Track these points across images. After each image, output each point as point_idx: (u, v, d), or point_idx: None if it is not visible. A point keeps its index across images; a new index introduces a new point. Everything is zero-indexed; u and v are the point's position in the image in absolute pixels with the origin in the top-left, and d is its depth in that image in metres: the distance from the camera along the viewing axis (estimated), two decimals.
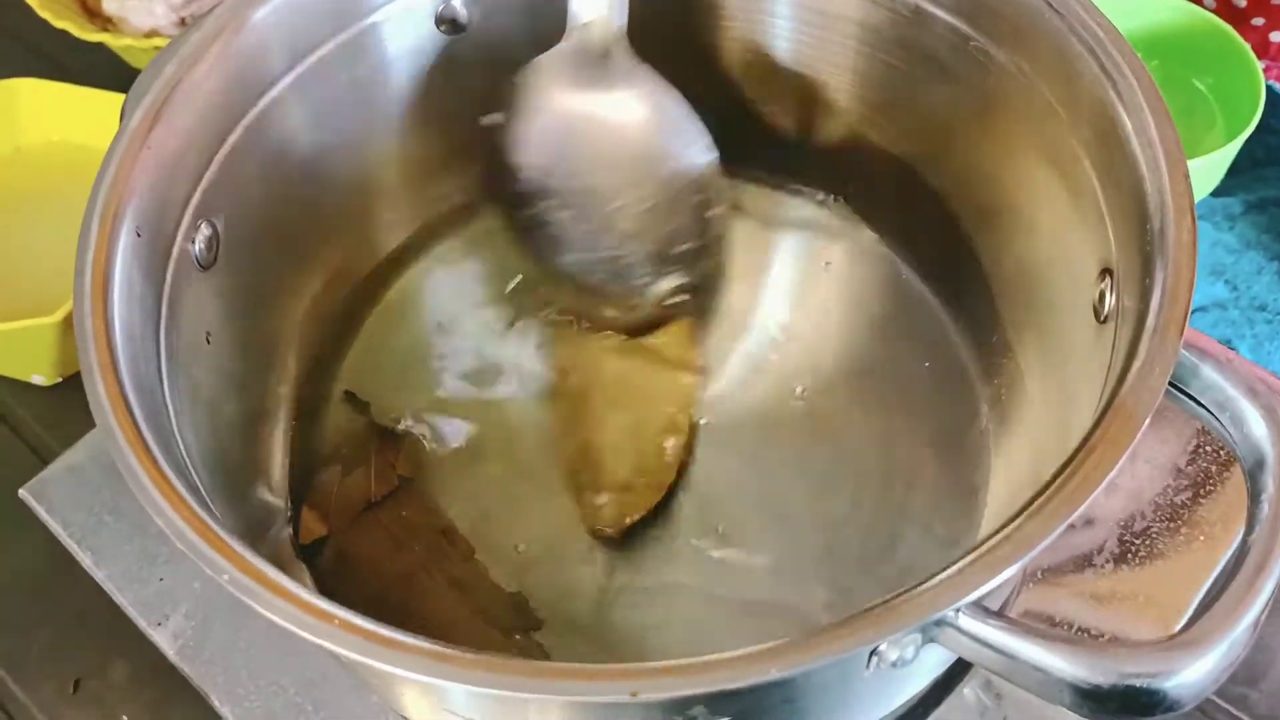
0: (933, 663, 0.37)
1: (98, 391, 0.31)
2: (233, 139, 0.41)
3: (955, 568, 0.28)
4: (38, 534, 0.51)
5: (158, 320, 0.36)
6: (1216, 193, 0.59)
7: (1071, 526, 0.44)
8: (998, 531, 0.29)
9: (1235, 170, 0.58)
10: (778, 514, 0.46)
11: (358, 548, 0.46)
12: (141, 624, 0.47)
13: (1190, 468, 0.47)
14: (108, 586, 0.48)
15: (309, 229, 0.48)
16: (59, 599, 0.52)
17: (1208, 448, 0.48)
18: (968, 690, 0.44)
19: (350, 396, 0.50)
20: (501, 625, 0.44)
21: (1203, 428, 0.48)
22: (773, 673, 0.26)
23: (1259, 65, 0.57)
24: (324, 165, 0.47)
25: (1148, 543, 0.45)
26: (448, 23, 0.47)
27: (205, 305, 0.40)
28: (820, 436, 0.47)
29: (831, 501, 0.46)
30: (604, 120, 0.47)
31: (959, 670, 0.43)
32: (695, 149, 0.47)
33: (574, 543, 0.46)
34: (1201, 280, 0.56)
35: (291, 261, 0.48)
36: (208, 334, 0.40)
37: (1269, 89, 0.58)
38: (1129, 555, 0.45)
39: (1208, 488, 0.47)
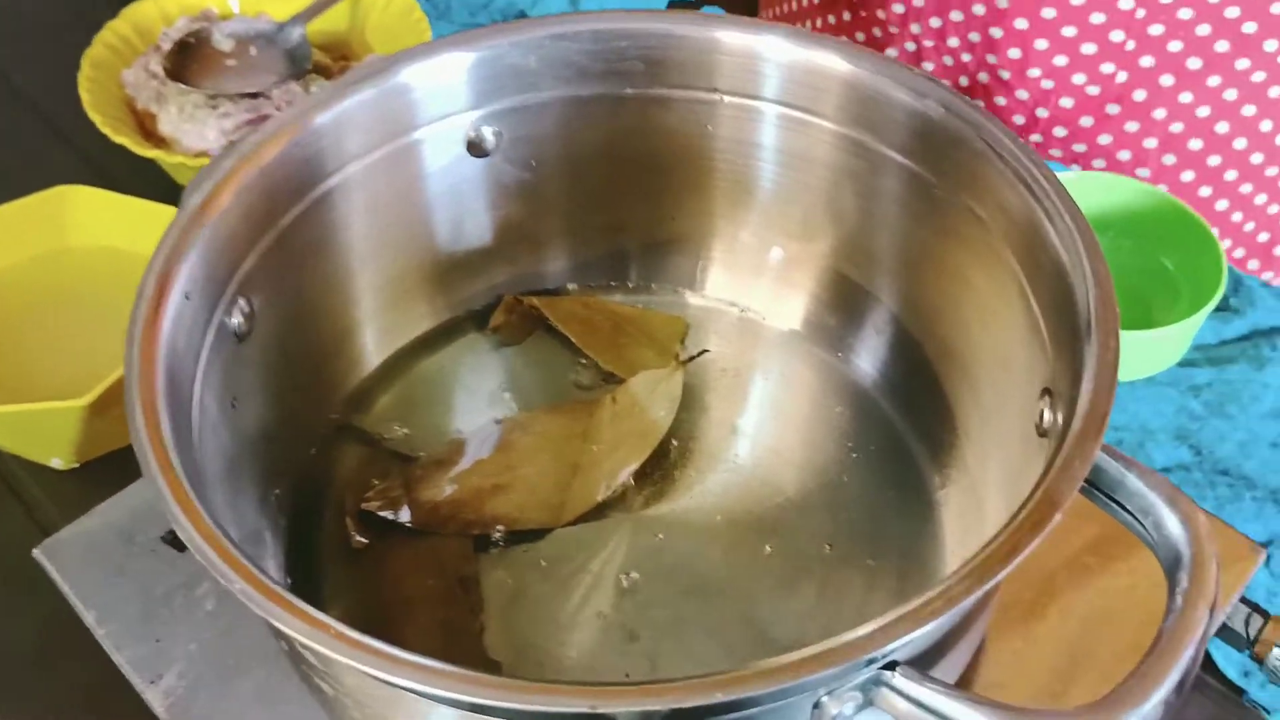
0: None
1: (137, 421, 0.34)
2: (277, 229, 0.45)
3: (888, 618, 0.31)
4: (40, 605, 0.52)
5: (193, 376, 0.39)
6: (1183, 363, 0.62)
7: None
8: (927, 593, 0.32)
9: (1200, 344, 0.62)
10: (743, 606, 0.48)
11: (389, 563, 0.49)
12: (136, 681, 0.48)
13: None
14: (106, 645, 0.49)
15: (337, 318, 0.52)
16: (56, 670, 0.53)
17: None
18: None
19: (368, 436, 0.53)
20: None
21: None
22: (718, 696, 0.28)
23: (1221, 247, 0.61)
24: (358, 262, 0.51)
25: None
26: (475, 147, 0.52)
27: (234, 374, 0.43)
28: (785, 538, 0.50)
29: (797, 596, 0.48)
30: None
31: None
32: None
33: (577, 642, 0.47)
34: (1167, 444, 0.59)
35: (316, 345, 0.51)
36: (233, 399, 0.43)
37: (1230, 270, 0.62)
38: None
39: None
